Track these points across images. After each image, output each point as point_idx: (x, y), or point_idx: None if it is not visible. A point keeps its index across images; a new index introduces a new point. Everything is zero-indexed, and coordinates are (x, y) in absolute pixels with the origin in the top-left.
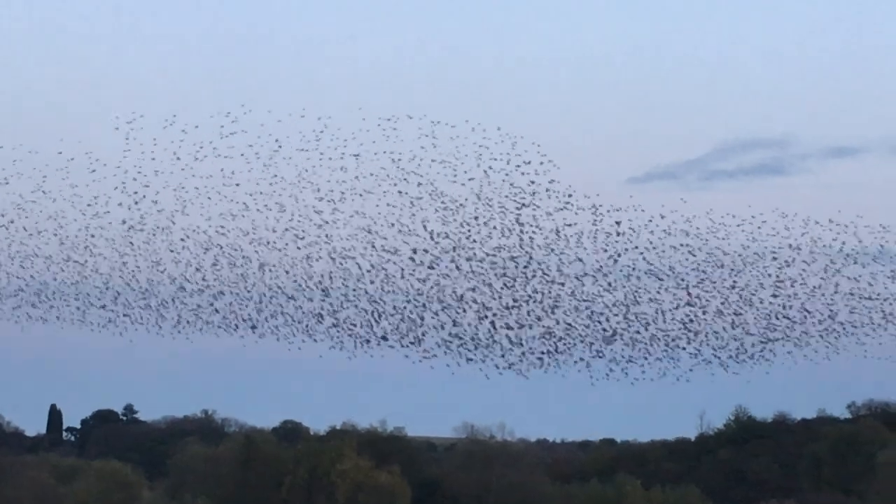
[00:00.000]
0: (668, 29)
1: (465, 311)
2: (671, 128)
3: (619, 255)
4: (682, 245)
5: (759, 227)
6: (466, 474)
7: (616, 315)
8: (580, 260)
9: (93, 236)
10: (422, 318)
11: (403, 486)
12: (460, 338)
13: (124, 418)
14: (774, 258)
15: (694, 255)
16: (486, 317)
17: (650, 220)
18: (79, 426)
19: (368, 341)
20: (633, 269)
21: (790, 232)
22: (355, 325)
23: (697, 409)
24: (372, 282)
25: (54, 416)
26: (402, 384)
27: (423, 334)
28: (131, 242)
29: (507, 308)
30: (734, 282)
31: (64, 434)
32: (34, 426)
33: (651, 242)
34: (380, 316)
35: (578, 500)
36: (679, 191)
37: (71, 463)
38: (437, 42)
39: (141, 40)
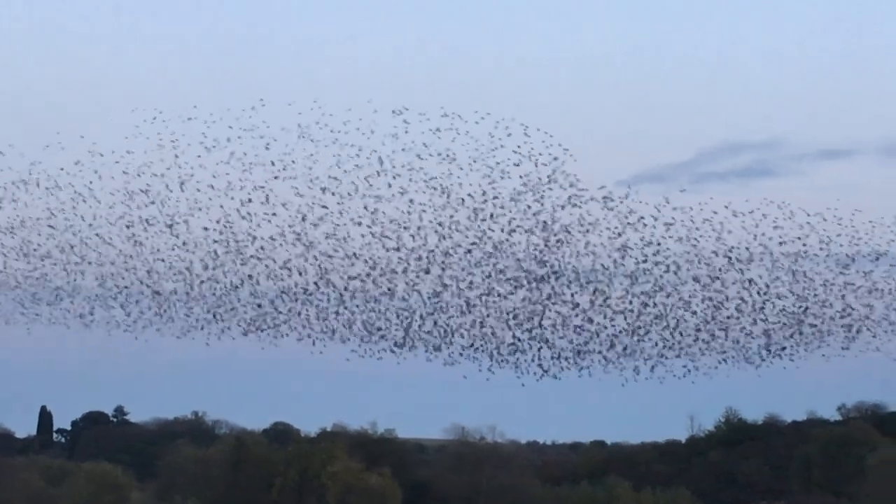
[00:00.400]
0: (668, 29)
1: (487, 313)
2: (671, 128)
3: (631, 249)
4: (686, 238)
5: (759, 222)
6: (456, 476)
7: (638, 311)
8: (593, 254)
9: (96, 235)
10: (447, 324)
11: (394, 487)
12: (486, 341)
13: (114, 420)
14: (783, 254)
15: (702, 250)
16: (514, 317)
17: (654, 216)
18: (69, 428)
19: (400, 346)
20: (646, 261)
21: (798, 229)
22: (380, 329)
23: (688, 411)
24: (378, 284)
25: (44, 417)
26: (393, 386)
27: (451, 339)
28: (129, 241)
29: (532, 309)
30: (749, 279)
31: (54, 436)
32: (24, 428)
33: (656, 238)
34: (401, 320)
35: (569, 502)
36: (671, 193)
37: (61, 465)
38: (437, 42)
39: (141, 40)
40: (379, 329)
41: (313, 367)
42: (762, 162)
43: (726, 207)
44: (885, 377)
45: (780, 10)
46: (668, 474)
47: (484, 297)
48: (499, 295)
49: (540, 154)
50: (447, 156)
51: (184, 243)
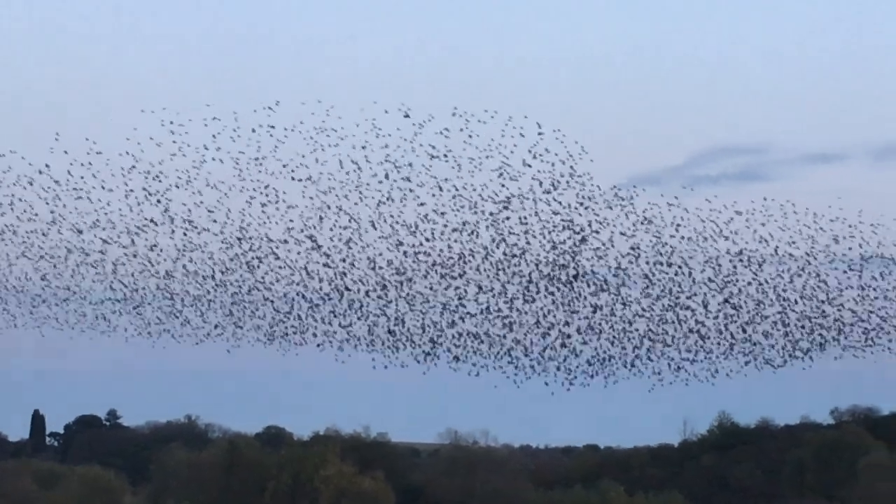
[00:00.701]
0: (668, 29)
1: (510, 320)
2: (670, 129)
3: (644, 252)
4: (695, 238)
5: (765, 223)
6: (450, 480)
7: (659, 315)
8: (607, 255)
9: (98, 237)
10: (469, 332)
11: (387, 491)
12: (509, 349)
13: (107, 423)
14: (791, 255)
15: (714, 252)
16: (538, 323)
17: (663, 215)
18: (62, 431)
19: (428, 354)
20: (662, 264)
21: (806, 230)
22: (406, 337)
23: (681, 415)
24: (396, 290)
25: (37, 421)
26: (386, 390)
27: (478, 347)
28: (128, 243)
29: (556, 313)
30: (765, 279)
31: (47, 439)
32: (17, 431)
33: (664, 238)
34: (423, 327)
35: None
36: (669, 195)
37: (54, 468)
38: (437, 42)
39: (141, 40)
40: (406, 337)
41: (306, 370)
42: (760, 165)
43: (727, 208)
44: (878, 381)
45: (780, 10)
46: (661, 478)
47: (505, 303)
48: (522, 300)
49: (556, 153)
50: (459, 156)
51: (191, 242)
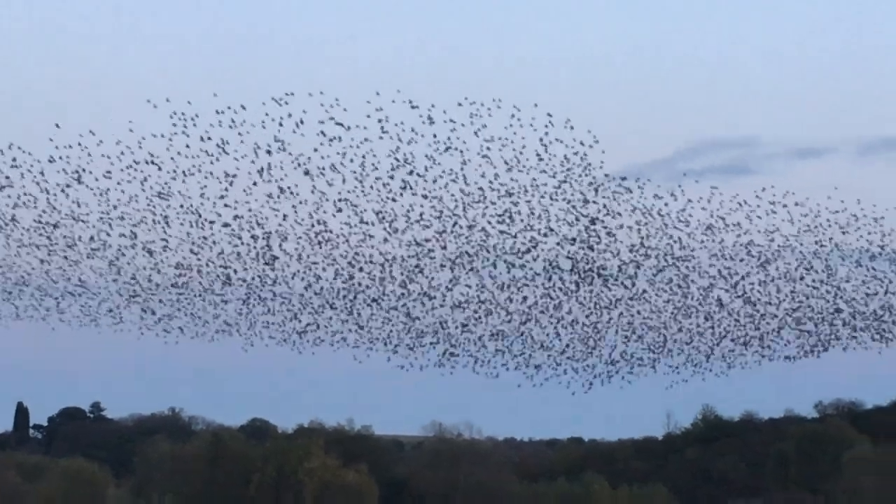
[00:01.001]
0: (668, 29)
1: (529, 318)
2: (670, 129)
3: (654, 249)
4: (704, 232)
5: (768, 216)
6: (433, 473)
7: (673, 309)
8: (619, 250)
9: (100, 235)
10: (488, 332)
11: (371, 484)
12: (530, 349)
13: (91, 416)
14: (790, 249)
15: (723, 245)
16: (560, 321)
17: (669, 206)
18: (46, 424)
19: (451, 355)
20: (672, 258)
21: (812, 221)
22: (422, 337)
23: (665, 408)
24: (408, 289)
25: (21, 413)
26: (369, 382)
27: (502, 350)
28: (121, 240)
29: (571, 308)
30: (778, 273)
31: (31, 432)
32: (0, 424)
33: (670, 229)
34: (440, 327)
35: (546, 498)
36: (661, 189)
37: (37, 461)
38: (437, 42)
39: (141, 40)
40: (422, 336)
41: (291, 363)
42: (748, 158)
43: (721, 195)
44: (861, 375)
45: (779, 10)
46: (645, 471)
47: (523, 301)
48: (538, 296)
49: (568, 145)
50: (466, 150)
51: (202, 239)
